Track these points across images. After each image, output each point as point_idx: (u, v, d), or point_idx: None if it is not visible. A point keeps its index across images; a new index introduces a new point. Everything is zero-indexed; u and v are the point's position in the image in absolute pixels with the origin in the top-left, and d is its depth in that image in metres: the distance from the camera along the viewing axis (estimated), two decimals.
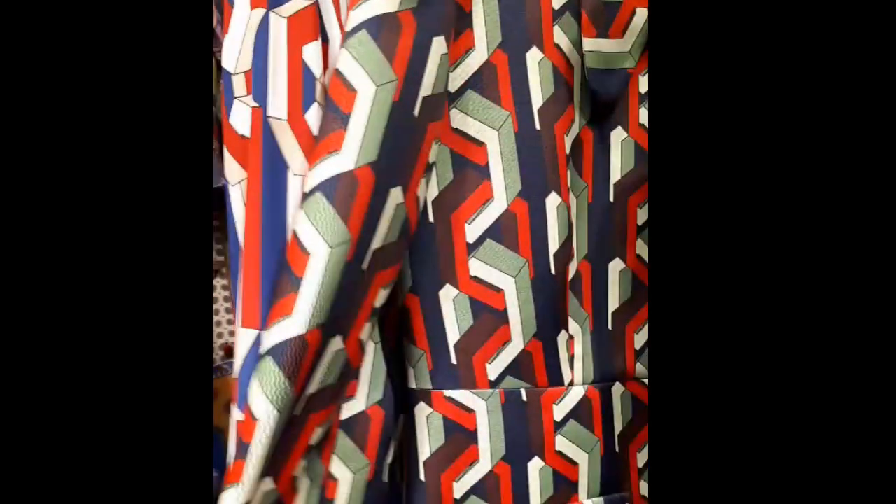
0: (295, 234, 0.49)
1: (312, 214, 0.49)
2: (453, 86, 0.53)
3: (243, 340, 0.50)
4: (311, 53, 0.52)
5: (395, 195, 0.50)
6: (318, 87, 0.52)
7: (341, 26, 0.54)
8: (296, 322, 0.48)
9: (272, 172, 0.51)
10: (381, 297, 0.52)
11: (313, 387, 0.50)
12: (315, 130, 0.51)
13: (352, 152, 0.49)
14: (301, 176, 0.51)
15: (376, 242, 0.50)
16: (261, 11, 0.52)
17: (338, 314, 0.49)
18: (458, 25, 0.53)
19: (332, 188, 0.49)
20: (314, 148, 0.50)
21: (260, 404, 0.48)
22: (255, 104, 0.51)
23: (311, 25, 0.52)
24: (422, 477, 0.54)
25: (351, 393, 0.53)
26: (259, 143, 0.51)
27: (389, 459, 0.55)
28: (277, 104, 0.51)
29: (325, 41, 0.55)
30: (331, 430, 0.52)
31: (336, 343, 0.50)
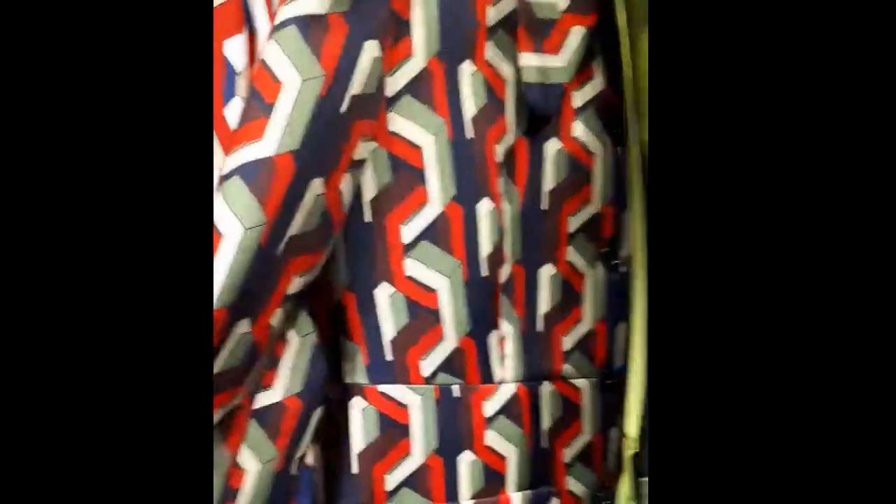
0: None
1: (229, 197, 0.49)
2: (392, 90, 0.54)
3: None
4: (234, 48, 0.53)
5: (316, 186, 0.51)
6: (240, 82, 0.53)
7: (272, 17, 0.54)
8: None
9: None
10: (295, 285, 0.52)
11: (216, 368, 0.50)
12: (234, 123, 0.52)
13: (273, 140, 0.50)
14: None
15: (293, 229, 0.51)
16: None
17: (247, 296, 0.50)
18: (397, 32, 0.54)
19: (251, 173, 0.49)
20: (234, 134, 0.51)
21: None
22: None
23: (234, 19, 0.53)
24: (354, 469, 0.55)
25: (268, 383, 0.53)
26: None
27: (300, 453, 0.55)
28: None
29: (252, 32, 0.56)
30: (236, 418, 0.53)
31: (243, 326, 0.50)
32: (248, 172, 0.50)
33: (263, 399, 0.53)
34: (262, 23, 0.60)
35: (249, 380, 0.53)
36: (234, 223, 0.49)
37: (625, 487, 0.58)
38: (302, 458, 0.56)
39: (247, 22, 0.58)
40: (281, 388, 0.54)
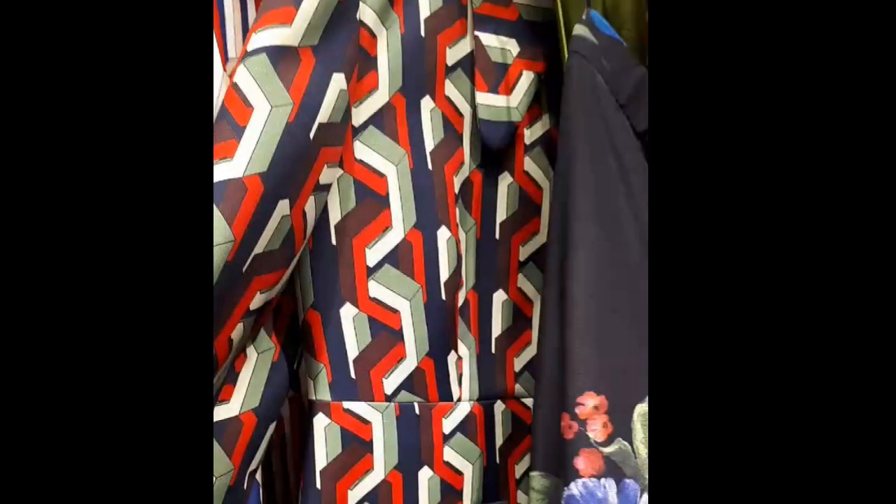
0: None
1: None
2: (357, 120, 0.56)
3: None
4: None
5: (282, 207, 0.52)
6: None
7: (222, 54, 0.57)
8: None
9: None
10: (257, 301, 0.53)
11: None
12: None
13: (243, 161, 0.51)
14: None
15: (259, 248, 0.52)
16: None
17: (214, 312, 0.50)
18: (363, 67, 0.56)
19: (221, 192, 0.50)
20: None
21: None
22: None
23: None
24: (318, 485, 0.55)
25: (226, 397, 0.54)
26: None
27: (252, 467, 0.55)
28: None
29: (225, 58, 0.59)
30: None
31: None
32: (218, 191, 0.50)
33: (221, 413, 0.53)
34: (231, 49, 0.61)
35: None
36: None
37: None
38: (252, 473, 0.55)
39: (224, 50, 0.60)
40: (238, 402, 0.54)
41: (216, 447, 0.53)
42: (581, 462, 0.52)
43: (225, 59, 0.61)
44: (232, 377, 0.54)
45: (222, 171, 0.51)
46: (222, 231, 0.50)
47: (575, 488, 0.52)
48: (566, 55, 0.60)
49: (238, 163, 0.51)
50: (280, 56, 0.52)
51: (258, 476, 0.61)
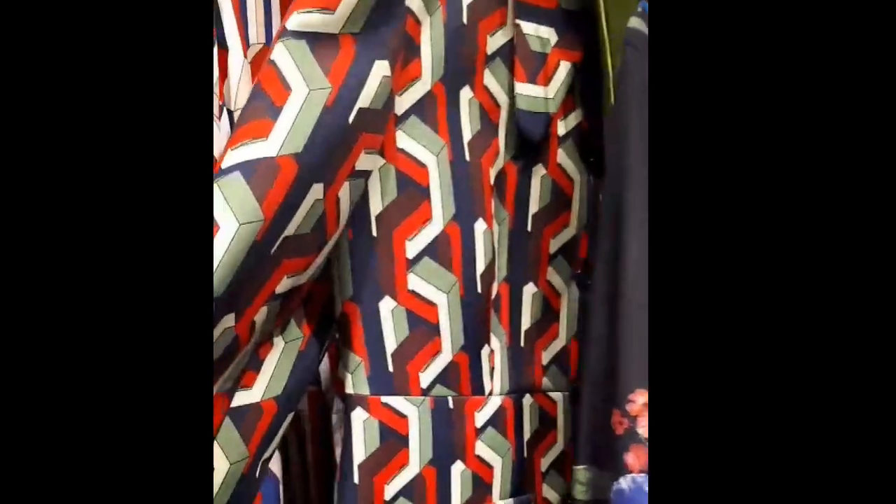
0: None
1: (227, 189, 0.47)
2: (400, 109, 0.53)
3: None
4: None
5: (316, 190, 0.50)
6: (214, 100, 0.52)
7: (242, 39, 0.55)
8: None
9: None
10: (283, 285, 0.50)
11: None
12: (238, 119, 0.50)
13: (277, 141, 0.48)
14: None
15: (289, 230, 0.49)
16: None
17: (235, 290, 0.48)
18: (408, 54, 0.53)
19: (252, 169, 0.48)
20: (238, 130, 0.49)
21: None
22: None
23: None
24: (356, 479, 0.53)
25: (248, 383, 0.51)
26: None
27: (266, 455, 0.53)
28: None
29: (224, 48, 0.56)
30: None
31: (228, 320, 0.48)
32: (248, 169, 0.47)
33: (241, 399, 0.51)
34: (233, 41, 0.59)
35: (227, 375, 0.50)
36: (229, 217, 0.47)
37: None
38: (266, 461, 0.53)
39: (218, 38, 0.57)
40: (260, 389, 0.52)
41: (234, 432, 0.51)
42: (630, 457, 0.51)
43: (246, 44, 0.59)
44: (255, 363, 0.52)
45: (255, 150, 0.48)
46: (252, 209, 0.47)
47: (624, 483, 0.51)
48: (606, 43, 0.57)
49: (273, 143, 0.48)
50: (318, 42, 0.49)
51: (278, 473, 0.59)
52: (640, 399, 0.52)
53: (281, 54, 0.49)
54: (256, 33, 0.58)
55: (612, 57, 0.60)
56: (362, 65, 0.50)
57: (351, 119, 0.50)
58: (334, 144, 0.50)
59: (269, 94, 0.49)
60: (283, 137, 0.48)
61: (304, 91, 0.49)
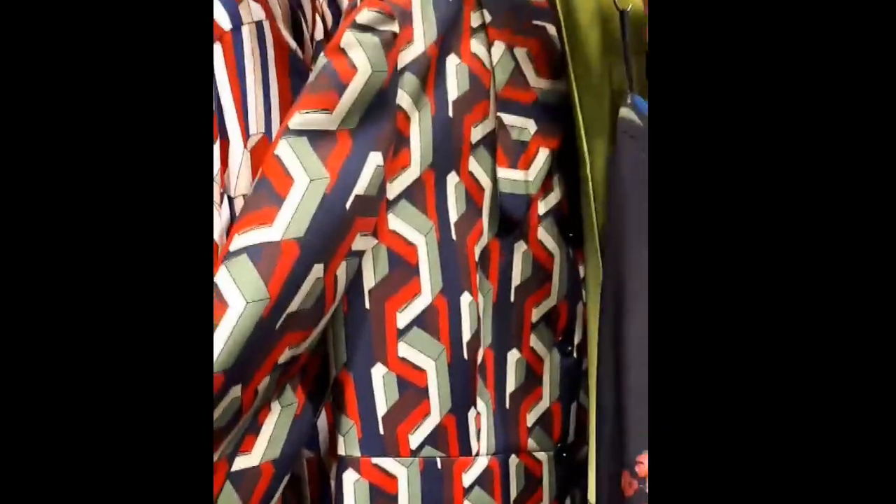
0: (216, 286, 0.52)
1: (235, 271, 0.52)
2: (391, 193, 0.58)
3: None
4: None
5: (317, 270, 0.54)
6: (215, 187, 0.56)
7: (243, 130, 0.59)
8: None
9: None
10: (285, 355, 0.55)
11: None
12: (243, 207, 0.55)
13: (281, 227, 0.53)
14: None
15: (292, 307, 0.54)
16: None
17: (243, 363, 0.52)
18: (398, 145, 0.58)
19: (258, 253, 0.52)
20: (243, 217, 0.54)
21: None
22: None
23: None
24: None
25: (247, 448, 0.55)
26: None
27: None
28: None
29: (225, 138, 0.60)
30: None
31: (235, 390, 0.52)
32: (255, 252, 0.52)
33: (241, 463, 0.54)
34: (233, 132, 0.63)
35: (229, 440, 0.54)
36: (237, 296, 0.52)
37: None
38: None
39: (220, 131, 0.61)
40: (259, 453, 0.55)
41: (234, 495, 0.54)
42: None
43: (246, 134, 0.63)
44: (254, 428, 0.55)
45: (261, 235, 0.53)
46: (259, 289, 0.52)
47: None
48: (581, 130, 0.62)
49: (277, 228, 0.53)
50: (319, 138, 0.55)
51: None
52: (647, 461, 0.54)
53: (284, 149, 0.54)
54: (256, 124, 0.62)
55: (587, 141, 0.65)
56: (358, 156, 0.56)
57: (348, 205, 0.55)
58: (333, 228, 0.55)
59: (273, 184, 0.54)
60: (286, 223, 0.53)
61: (306, 181, 0.54)
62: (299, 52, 0.66)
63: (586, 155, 0.64)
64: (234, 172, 0.62)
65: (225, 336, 0.51)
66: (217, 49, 0.61)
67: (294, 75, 0.64)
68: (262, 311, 0.52)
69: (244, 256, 0.52)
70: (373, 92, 0.56)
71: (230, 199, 0.62)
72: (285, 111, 0.62)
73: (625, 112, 0.60)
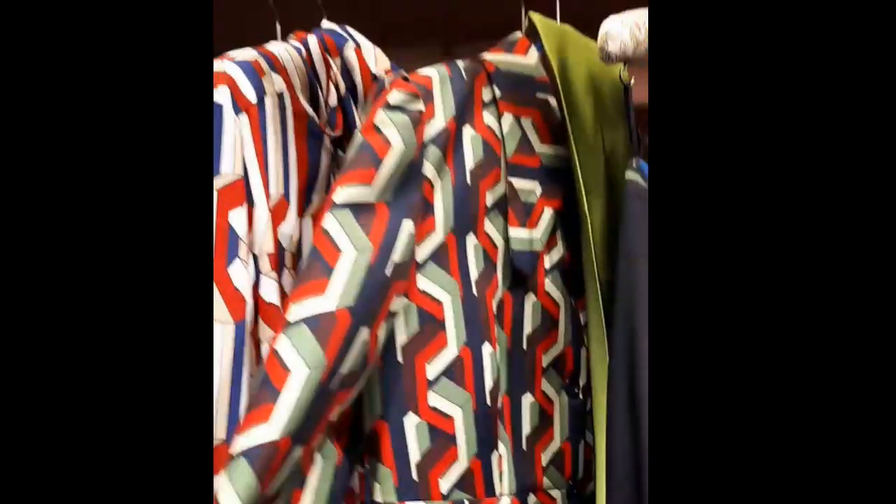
0: (275, 352, 0.56)
1: (296, 339, 0.56)
2: (420, 256, 0.62)
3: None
4: (237, 217, 0.61)
5: (363, 333, 0.58)
6: (242, 246, 0.60)
7: (267, 195, 0.62)
8: (271, 429, 0.54)
9: None
10: (336, 413, 0.58)
11: (271, 489, 0.54)
12: (236, 283, 0.59)
13: (334, 297, 0.57)
14: (222, 323, 0.58)
15: (344, 369, 0.57)
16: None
17: (305, 425, 0.55)
18: (424, 212, 0.63)
19: (316, 322, 0.56)
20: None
21: (229, 499, 0.52)
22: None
23: (237, 194, 0.61)
24: None
25: (295, 501, 0.57)
26: None
27: None
28: None
29: (251, 205, 0.64)
30: None
31: (297, 451, 0.56)
32: (312, 321, 0.56)
33: None
34: (258, 196, 0.66)
35: (283, 496, 0.57)
36: (299, 362, 0.55)
37: None
38: None
39: (247, 197, 0.65)
40: None
41: None
42: None
43: (268, 194, 0.66)
44: (299, 481, 0.58)
45: (316, 305, 0.56)
46: (319, 357, 0.56)
47: None
48: (582, 191, 0.67)
49: (330, 298, 0.57)
50: (359, 210, 0.59)
51: None
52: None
53: (331, 223, 0.59)
54: (276, 186, 0.66)
55: (588, 200, 0.69)
56: (394, 226, 0.60)
57: (388, 272, 0.59)
58: (377, 294, 0.59)
59: (324, 256, 0.58)
60: (339, 293, 0.57)
61: (353, 253, 0.58)
62: (315, 118, 0.70)
63: (587, 213, 0.68)
64: (260, 233, 0.66)
65: (291, 403, 0.55)
66: (244, 120, 0.65)
67: (310, 138, 0.69)
68: (321, 376, 0.56)
69: (303, 326, 0.56)
70: (405, 165, 0.60)
71: (255, 257, 0.66)
72: (302, 172, 0.67)
73: (631, 175, 0.65)
